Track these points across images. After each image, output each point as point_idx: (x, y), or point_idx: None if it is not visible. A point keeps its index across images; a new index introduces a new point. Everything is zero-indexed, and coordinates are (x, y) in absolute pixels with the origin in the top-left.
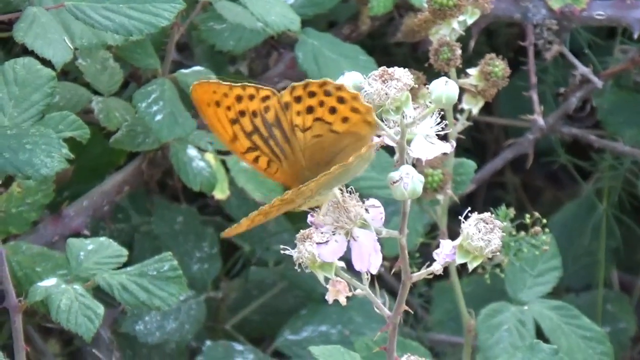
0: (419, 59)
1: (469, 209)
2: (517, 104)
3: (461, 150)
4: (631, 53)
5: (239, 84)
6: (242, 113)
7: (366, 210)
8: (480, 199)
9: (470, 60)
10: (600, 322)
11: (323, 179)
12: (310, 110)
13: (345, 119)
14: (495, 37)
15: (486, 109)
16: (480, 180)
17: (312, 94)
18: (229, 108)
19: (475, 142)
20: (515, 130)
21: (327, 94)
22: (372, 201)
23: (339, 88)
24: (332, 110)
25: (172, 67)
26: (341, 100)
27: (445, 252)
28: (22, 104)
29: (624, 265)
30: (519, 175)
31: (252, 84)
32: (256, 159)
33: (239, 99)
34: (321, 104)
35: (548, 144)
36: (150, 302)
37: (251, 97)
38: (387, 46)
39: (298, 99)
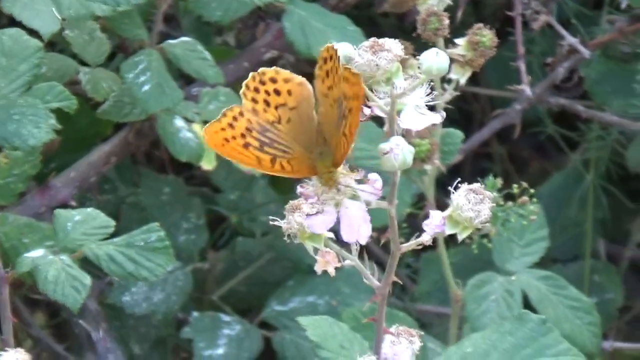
0: (405, 30)
1: (458, 179)
2: (503, 74)
3: (447, 120)
4: (618, 23)
5: (221, 114)
6: (242, 136)
7: (357, 181)
8: (467, 169)
9: (457, 31)
10: (587, 293)
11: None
12: (267, 103)
13: (289, 92)
14: (482, 7)
15: (473, 79)
16: (467, 151)
17: (257, 90)
18: (234, 138)
19: (461, 113)
20: (501, 100)
21: (262, 83)
22: (373, 175)
23: (264, 73)
24: (277, 92)
25: (159, 38)
26: (273, 80)
27: (434, 223)
28: (10, 74)
29: (611, 236)
30: (505, 145)
31: (228, 109)
32: (282, 166)
33: (231, 126)
34: (267, 92)
35: (535, 114)
36: (138, 273)
37: (235, 120)
38: (373, 16)
39: (254, 100)
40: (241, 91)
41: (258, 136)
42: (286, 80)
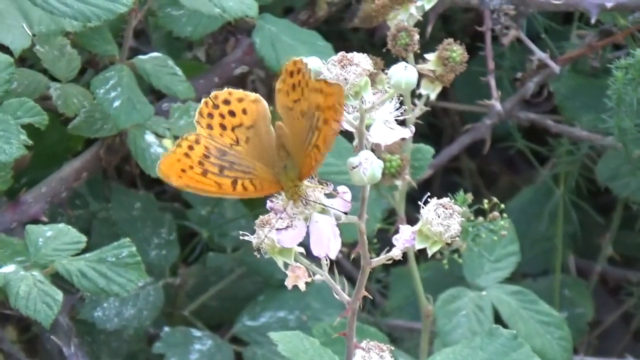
0: (375, 45)
1: (427, 194)
2: (473, 89)
3: (418, 135)
4: (588, 38)
5: (176, 145)
6: (200, 163)
7: (327, 195)
8: (437, 184)
9: (427, 45)
10: (557, 307)
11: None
12: (223, 127)
13: (244, 111)
14: (452, 22)
15: (443, 94)
16: (437, 166)
17: (210, 115)
18: (191, 167)
19: (431, 128)
20: (471, 115)
21: (216, 107)
22: (342, 188)
23: (216, 97)
24: (232, 114)
25: (129, 54)
26: (227, 102)
27: (404, 238)
28: None
29: (581, 251)
30: (475, 160)
31: (183, 138)
32: (244, 187)
33: (187, 155)
34: (222, 116)
35: (505, 129)
36: (109, 288)
37: (191, 149)
38: (343, 32)
39: (210, 126)
40: (195, 119)
41: (216, 161)
42: (240, 100)
